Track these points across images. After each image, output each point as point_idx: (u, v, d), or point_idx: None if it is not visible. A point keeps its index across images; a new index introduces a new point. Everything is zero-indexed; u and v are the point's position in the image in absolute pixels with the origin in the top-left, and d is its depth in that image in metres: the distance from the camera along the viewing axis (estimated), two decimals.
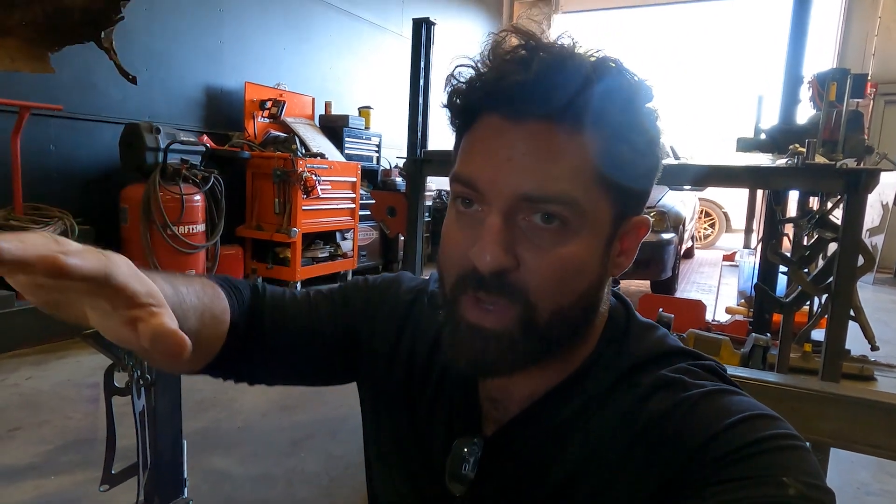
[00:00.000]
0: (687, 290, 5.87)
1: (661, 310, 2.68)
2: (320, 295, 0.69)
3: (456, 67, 0.49)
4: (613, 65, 0.47)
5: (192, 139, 4.04)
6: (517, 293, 0.47)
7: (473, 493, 0.55)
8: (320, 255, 4.94)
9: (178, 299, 0.47)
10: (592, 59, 0.47)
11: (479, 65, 0.49)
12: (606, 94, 0.46)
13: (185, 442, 1.44)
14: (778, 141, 2.38)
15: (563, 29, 0.49)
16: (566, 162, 0.46)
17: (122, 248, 3.75)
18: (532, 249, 0.47)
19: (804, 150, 1.79)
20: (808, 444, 0.45)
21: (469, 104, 0.50)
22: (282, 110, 4.94)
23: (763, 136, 2.58)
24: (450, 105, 0.51)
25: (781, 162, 1.90)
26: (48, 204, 3.37)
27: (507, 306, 0.47)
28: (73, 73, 3.60)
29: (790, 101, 2.60)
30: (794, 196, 3.03)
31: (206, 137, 4.32)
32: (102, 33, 1.22)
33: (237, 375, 0.64)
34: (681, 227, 5.30)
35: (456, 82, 0.50)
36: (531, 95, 0.45)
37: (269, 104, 4.87)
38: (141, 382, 1.37)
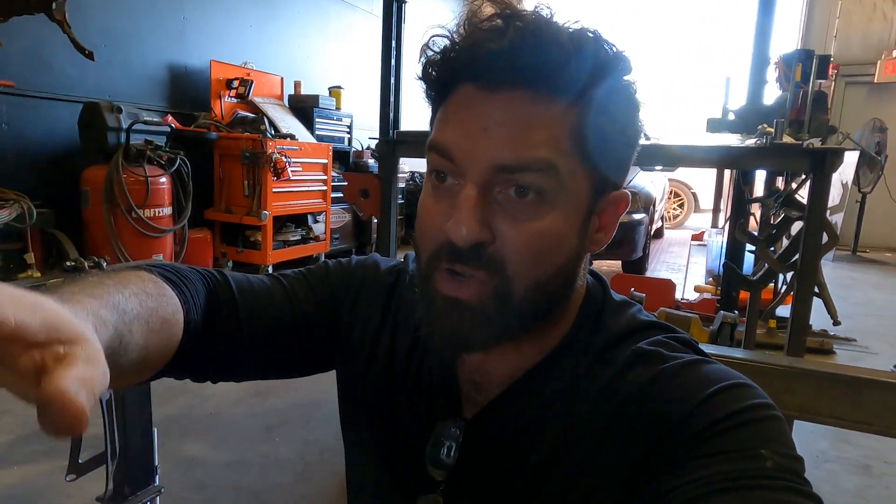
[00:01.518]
0: (657, 269, 5.98)
1: (632, 289, 2.72)
2: (294, 280, 0.65)
3: (430, 38, 0.48)
4: (591, 35, 0.46)
5: (156, 119, 3.91)
6: (494, 266, 0.46)
7: (454, 477, 0.54)
8: (292, 239, 4.87)
9: (114, 313, 0.39)
10: (570, 29, 0.46)
11: (453, 35, 0.48)
12: (583, 63, 0.45)
13: (156, 430, 1.41)
14: (746, 121, 2.42)
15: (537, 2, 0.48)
16: (542, 131, 0.45)
17: (84, 231, 3.63)
18: (508, 222, 0.46)
19: (772, 130, 1.82)
20: (779, 411, 0.45)
21: (444, 75, 0.49)
22: (249, 90, 4.82)
23: (731, 117, 2.62)
24: (424, 76, 0.50)
25: (751, 142, 1.93)
26: (2, 186, 3.22)
27: (484, 279, 0.47)
28: (23, 47, 3.43)
29: (757, 81, 2.63)
30: (760, 176, 3.10)
31: (170, 118, 4.18)
32: (54, 4, 1.15)
33: (198, 375, 0.59)
34: (651, 207, 5.39)
35: (430, 53, 0.49)
36: (506, 64, 0.44)
37: (236, 83, 4.74)
38: None
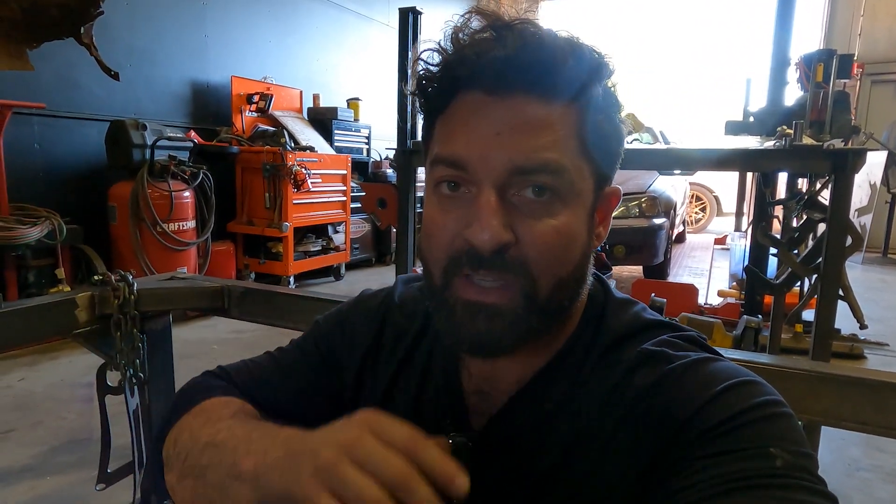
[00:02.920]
0: (679, 274, 5.90)
1: (653, 294, 2.69)
2: (289, 353, 0.68)
3: (423, 52, 0.49)
4: (579, 40, 0.48)
5: (179, 135, 4.00)
6: (518, 268, 0.47)
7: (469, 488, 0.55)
8: (312, 249, 4.92)
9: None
10: (562, 34, 0.48)
11: (445, 47, 0.48)
12: (582, 66, 0.47)
13: None
14: (766, 123, 2.39)
15: (526, 13, 0.49)
16: (552, 133, 0.47)
17: (112, 247, 3.72)
18: (527, 223, 0.47)
19: (791, 131, 1.79)
20: (788, 408, 0.45)
21: (445, 84, 0.49)
22: (269, 104, 4.90)
23: (751, 119, 2.59)
24: (421, 89, 0.51)
25: (769, 144, 1.91)
26: (35, 204, 3.33)
27: (510, 282, 0.47)
28: (54, 71, 3.55)
29: (778, 82, 2.60)
30: (783, 178, 3.05)
31: (193, 133, 4.28)
32: (82, 29, 1.20)
33: None
34: (672, 211, 5.32)
35: (425, 65, 0.50)
36: (514, 70, 0.46)
37: (256, 98, 4.83)
38: (134, 381, 1.36)
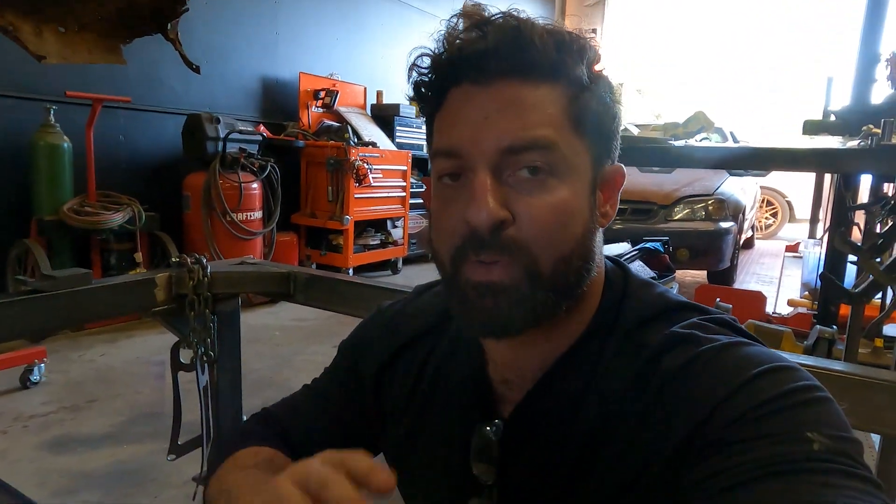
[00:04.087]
0: (746, 281, 5.64)
1: (718, 300, 2.60)
2: (321, 379, 0.73)
3: (417, 57, 0.52)
4: (560, 25, 0.50)
5: (249, 129, 4.18)
6: (518, 247, 0.48)
7: (502, 477, 0.55)
8: (371, 243, 5.02)
9: None
10: (542, 21, 0.50)
11: (436, 49, 0.51)
12: (562, 47, 0.49)
13: (245, 417, 1.51)
14: (849, 122, 2.25)
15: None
16: (539, 111, 0.48)
17: (185, 234, 3.93)
18: (523, 201, 0.48)
19: (879, 130, 1.68)
20: (827, 392, 0.43)
21: (437, 83, 0.52)
22: (335, 100, 5.04)
23: (833, 118, 2.44)
24: (417, 92, 0.54)
25: (853, 144, 1.80)
26: (117, 192, 3.56)
27: (511, 261, 0.48)
28: (139, 67, 3.78)
29: (864, 79, 2.44)
30: (865, 181, 2.86)
31: (262, 127, 4.46)
32: (168, 25, 1.28)
33: None
34: (740, 215, 5.09)
35: (418, 69, 0.53)
36: (494, 57, 0.48)
37: (322, 94, 4.97)
38: (204, 359, 1.44)
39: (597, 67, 0.52)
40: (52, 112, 3.20)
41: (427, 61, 0.52)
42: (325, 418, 0.68)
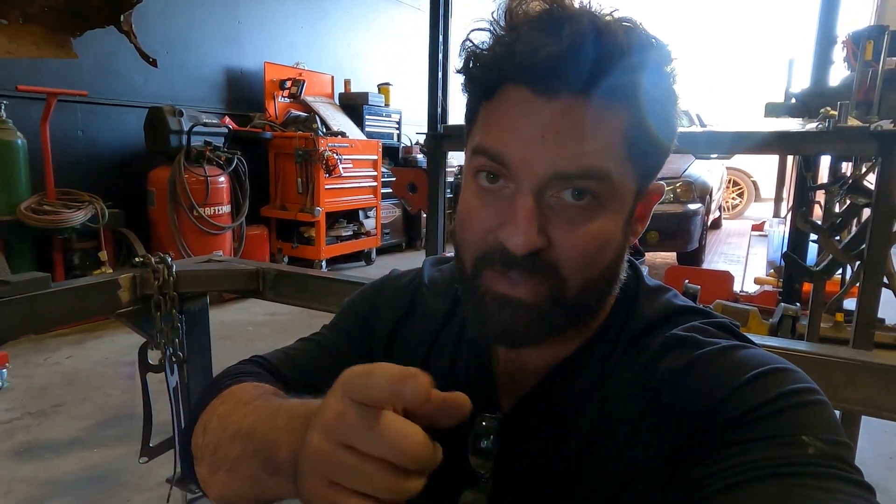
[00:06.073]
0: (714, 261, 5.77)
1: (686, 281, 2.65)
2: (326, 333, 0.69)
3: (472, 31, 0.47)
4: (639, 28, 0.45)
5: (214, 121, 4.08)
6: (549, 270, 0.46)
7: (497, 469, 0.54)
8: (344, 234, 4.98)
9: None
10: (620, 23, 0.45)
11: (496, 29, 0.47)
12: (640, 66, 0.44)
13: None
14: (808, 105, 2.30)
15: None
16: (599, 138, 0.45)
17: (151, 230, 3.84)
18: (563, 227, 0.46)
19: (836, 112, 1.72)
20: (823, 396, 0.44)
21: (492, 74, 0.47)
22: (301, 90, 4.95)
23: (793, 101, 2.49)
24: (467, 73, 0.49)
25: (812, 126, 1.84)
26: (78, 189, 3.45)
27: (538, 282, 0.47)
28: (94, 59, 3.65)
29: (822, 62, 2.49)
30: (825, 162, 2.94)
31: (227, 119, 4.36)
32: (121, 16, 1.23)
33: None
34: (708, 197, 5.20)
35: (472, 46, 0.48)
36: (565, 69, 0.43)
37: (288, 84, 4.88)
38: (173, 360, 1.41)
39: (667, 72, 0.47)
40: (2, 107, 3.07)
41: (484, 41, 0.46)
42: (333, 366, 0.63)
